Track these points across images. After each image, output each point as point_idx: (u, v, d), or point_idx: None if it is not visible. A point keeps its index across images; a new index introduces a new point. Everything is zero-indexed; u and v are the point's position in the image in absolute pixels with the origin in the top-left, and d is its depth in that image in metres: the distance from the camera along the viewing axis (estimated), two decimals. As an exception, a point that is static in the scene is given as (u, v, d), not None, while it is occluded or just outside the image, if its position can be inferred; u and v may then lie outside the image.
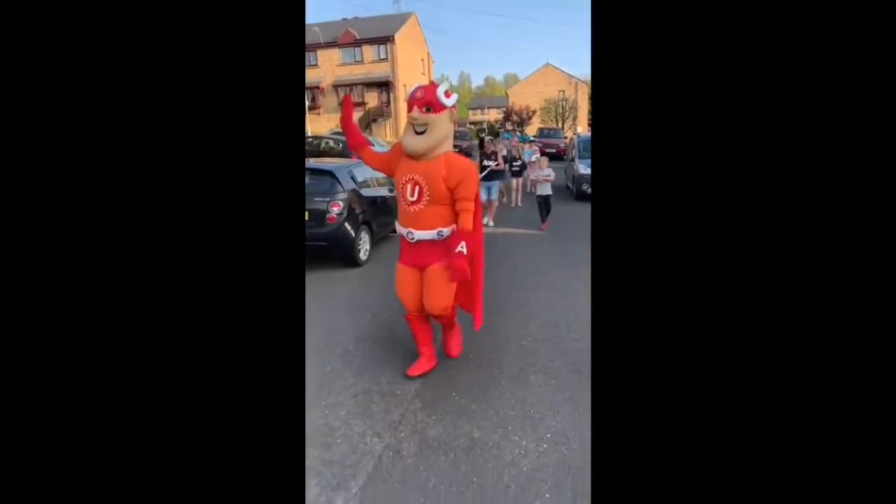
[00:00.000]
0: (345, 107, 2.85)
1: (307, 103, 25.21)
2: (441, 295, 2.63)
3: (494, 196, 7.77)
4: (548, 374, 2.85)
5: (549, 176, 7.36)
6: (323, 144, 13.87)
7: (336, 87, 27.78)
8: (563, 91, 38.08)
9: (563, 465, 2.05)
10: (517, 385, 2.73)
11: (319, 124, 25.75)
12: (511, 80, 75.11)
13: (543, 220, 7.32)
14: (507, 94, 45.04)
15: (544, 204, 7.32)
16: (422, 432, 2.29)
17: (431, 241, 2.62)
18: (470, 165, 2.64)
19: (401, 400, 2.58)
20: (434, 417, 2.41)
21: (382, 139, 20.04)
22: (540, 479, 1.97)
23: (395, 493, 1.90)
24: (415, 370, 2.82)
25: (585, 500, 1.84)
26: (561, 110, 36.30)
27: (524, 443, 2.21)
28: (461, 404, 2.53)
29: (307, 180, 5.25)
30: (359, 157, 2.96)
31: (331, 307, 4.00)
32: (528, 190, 10.11)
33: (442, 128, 2.51)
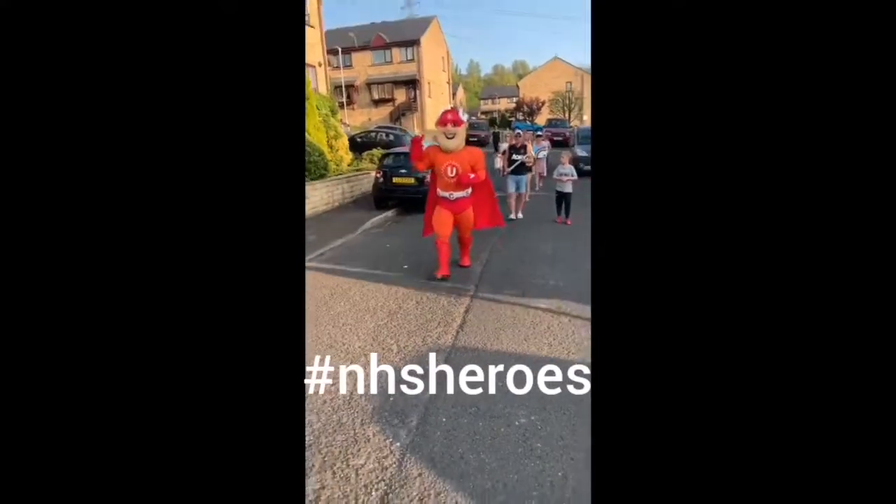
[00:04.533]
0: (414, 146, 4.88)
1: (344, 99, 28.88)
2: (469, 225, 4.94)
3: (523, 189, 7.86)
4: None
5: (570, 175, 7.18)
6: (378, 137, 17.61)
7: (368, 84, 31.47)
8: (570, 82, 41.22)
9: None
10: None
11: (354, 118, 29.46)
12: (520, 67, 76.32)
13: (562, 216, 7.31)
14: (517, 85, 48.02)
15: (563, 200, 7.22)
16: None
17: (463, 197, 4.79)
18: (480, 153, 4.74)
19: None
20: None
21: (410, 130, 23.59)
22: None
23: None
24: (439, 273, 4.83)
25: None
26: (568, 101, 39.52)
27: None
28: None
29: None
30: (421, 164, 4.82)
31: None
32: (537, 187, 10.15)
33: (462, 134, 4.64)
